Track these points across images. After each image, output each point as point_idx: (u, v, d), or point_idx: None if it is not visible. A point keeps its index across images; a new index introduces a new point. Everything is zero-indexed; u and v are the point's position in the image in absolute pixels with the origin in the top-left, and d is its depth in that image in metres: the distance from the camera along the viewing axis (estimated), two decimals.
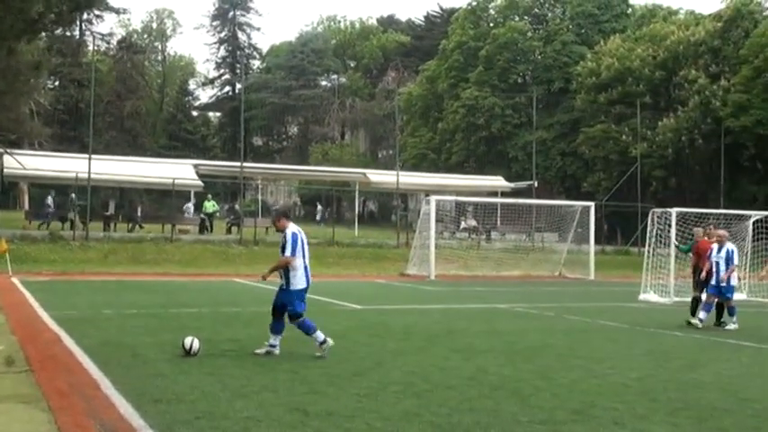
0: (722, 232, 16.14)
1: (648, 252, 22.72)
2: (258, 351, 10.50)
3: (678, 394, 8.73)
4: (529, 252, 35.70)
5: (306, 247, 10.58)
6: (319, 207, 51.35)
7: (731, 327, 15.23)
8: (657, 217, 22.41)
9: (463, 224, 39.91)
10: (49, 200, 37.62)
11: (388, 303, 19.30)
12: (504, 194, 46.82)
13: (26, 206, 46.89)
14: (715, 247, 15.62)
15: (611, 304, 20.52)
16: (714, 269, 15.39)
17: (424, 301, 20.15)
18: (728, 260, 15.28)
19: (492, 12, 67.26)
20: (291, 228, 10.49)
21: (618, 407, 7.95)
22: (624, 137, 49.57)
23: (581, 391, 8.67)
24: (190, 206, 45.91)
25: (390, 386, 8.59)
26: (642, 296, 21.97)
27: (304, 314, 10.53)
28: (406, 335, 13.04)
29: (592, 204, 33.37)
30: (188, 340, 10.21)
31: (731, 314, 15.40)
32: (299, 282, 10.45)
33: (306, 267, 10.52)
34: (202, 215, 39.85)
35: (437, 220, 31.28)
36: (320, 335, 10.45)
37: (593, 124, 52.62)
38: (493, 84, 60.93)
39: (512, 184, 50.11)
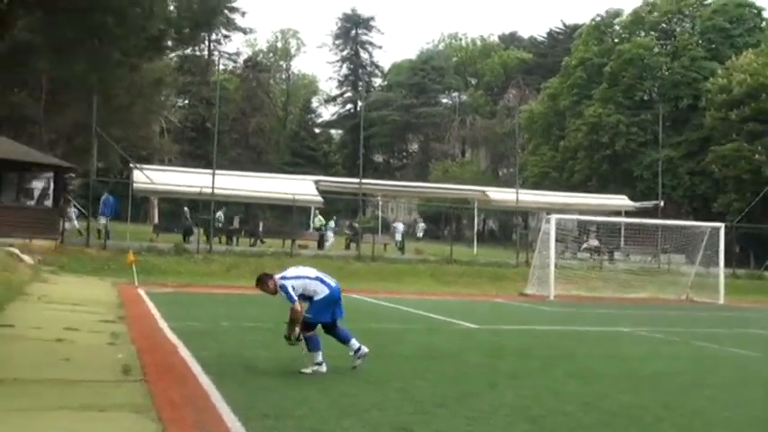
0: None
1: None
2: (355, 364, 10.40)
3: None
4: (654, 274, 34.45)
5: (304, 270, 10.66)
6: (422, 224, 51.12)
7: None
8: None
9: (585, 244, 38.90)
10: (186, 212, 39.07)
11: (505, 323, 18.91)
12: (628, 214, 45.42)
13: (155, 220, 48.58)
14: None
15: (742, 331, 19.48)
16: None
17: (543, 323, 19.64)
18: None
19: (617, 27, 65.77)
20: (278, 281, 10.29)
21: None
22: (757, 156, 47.37)
23: (706, 423, 8.15)
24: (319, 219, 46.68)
25: (502, 409, 8.28)
26: None
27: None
28: (521, 357, 12.67)
29: (722, 226, 31.91)
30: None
31: None
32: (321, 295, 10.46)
33: (320, 279, 10.59)
34: (317, 229, 40.37)
35: (558, 240, 30.55)
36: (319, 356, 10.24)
37: (724, 142, 50.49)
38: (617, 101, 59.46)
39: (636, 204, 48.57)
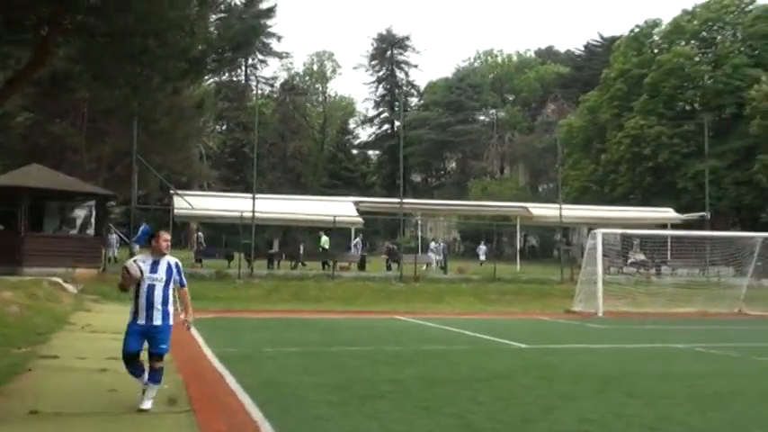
0: None
1: None
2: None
3: None
4: (704, 287, 33.65)
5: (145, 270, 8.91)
6: (483, 247, 50.54)
7: None
8: None
9: (631, 258, 38.19)
10: (200, 236, 38.94)
11: (554, 342, 18.38)
12: (674, 227, 44.61)
13: (195, 245, 48.75)
14: None
15: None
16: None
17: (594, 341, 19.08)
18: None
19: (656, 38, 64.93)
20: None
21: None
22: None
23: None
24: (358, 241, 46.44)
25: None
26: None
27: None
28: (576, 377, 12.19)
29: None
30: None
31: None
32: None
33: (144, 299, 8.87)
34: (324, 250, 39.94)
35: (603, 255, 29.96)
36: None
37: None
38: (659, 112, 58.58)
39: (682, 216, 47.72)
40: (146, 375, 8.88)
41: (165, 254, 9.02)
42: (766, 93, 50.28)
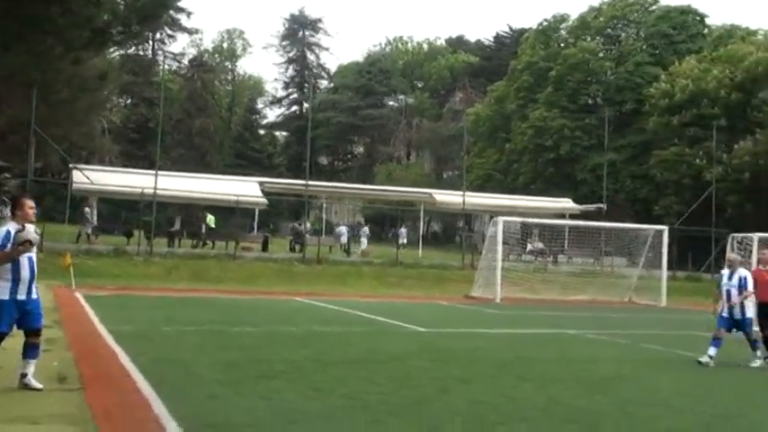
0: (733, 256, 14.58)
1: None
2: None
3: None
4: (597, 276, 34.64)
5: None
6: (403, 230, 50.58)
7: (756, 363, 13.31)
8: (738, 242, 21.36)
9: (530, 246, 39.00)
10: (87, 211, 37.73)
11: (452, 326, 18.65)
12: (572, 217, 45.73)
13: (84, 221, 47.42)
14: (726, 272, 13.86)
15: (686, 332, 19.50)
16: (725, 298, 13.52)
17: (490, 325, 19.45)
18: (741, 288, 13.33)
19: (563, 32, 66.36)
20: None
21: None
22: (698, 160, 48.11)
23: (665, 429, 7.95)
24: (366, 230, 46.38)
25: (456, 417, 7.98)
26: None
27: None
28: (471, 360, 12.40)
29: (665, 228, 32.16)
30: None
31: (714, 345, 13.18)
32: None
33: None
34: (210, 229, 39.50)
35: (503, 242, 30.50)
36: None
37: (666, 147, 51.22)
38: (562, 105, 59.95)
39: (580, 207, 48.97)
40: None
41: (32, 221, 8.54)
42: (664, 91, 51.94)
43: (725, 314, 13.43)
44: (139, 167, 46.19)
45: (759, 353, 13.41)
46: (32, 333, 8.46)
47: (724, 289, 13.53)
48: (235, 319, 17.10)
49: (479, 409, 8.42)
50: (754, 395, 10.52)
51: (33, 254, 8.42)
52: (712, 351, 13.08)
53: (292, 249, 38.85)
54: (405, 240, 45.76)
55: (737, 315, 13.31)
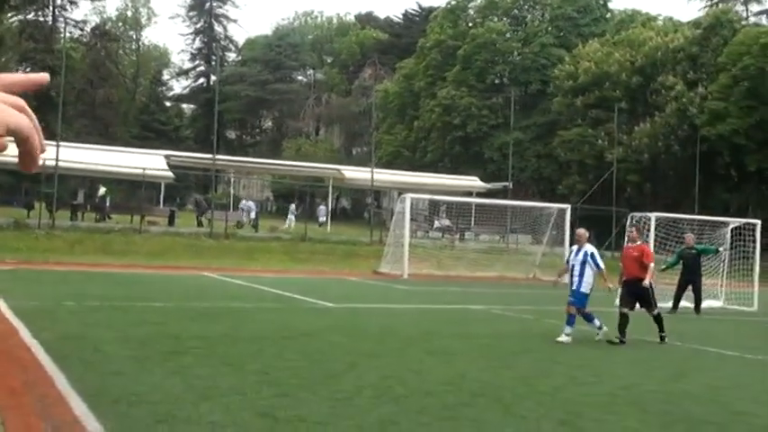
0: (581, 231, 14.08)
1: None
2: None
3: (668, 406, 8.32)
4: (502, 253, 35.34)
5: None
6: (323, 207, 50.32)
7: (563, 339, 12.72)
8: (636, 221, 22.08)
9: (437, 223, 39.51)
10: None
11: (361, 302, 18.83)
12: (479, 195, 46.48)
13: None
14: (574, 249, 13.79)
15: (588, 309, 20.14)
16: (570, 273, 13.41)
17: (398, 301, 19.70)
18: (584, 263, 13.16)
19: (471, 12, 67.04)
20: None
21: (607, 418, 7.53)
22: (600, 141, 49.53)
23: (566, 400, 8.25)
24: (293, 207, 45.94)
25: (365, 390, 8.11)
26: (617, 302, 21.58)
27: None
28: (380, 336, 12.57)
29: (568, 207, 33.01)
30: None
31: (569, 324, 12.90)
32: None
33: None
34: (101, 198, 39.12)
35: (411, 219, 30.81)
36: None
37: (570, 127, 52.55)
38: (470, 84, 60.69)
39: (487, 185, 49.81)
40: None
41: None
42: (569, 72, 53.12)
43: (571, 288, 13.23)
44: None
45: (569, 329, 12.87)
46: None
47: (570, 264, 13.44)
48: (142, 294, 16.87)
49: (388, 383, 8.57)
50: (655, 366, 10.98)
51: None
52: (568, 329, 12.81)
53: (199, 223, 38.36)
54: (324, 218, 45.70)
55: (573, 287, 13.15)
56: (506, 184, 45.65)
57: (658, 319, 13.82)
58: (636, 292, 13.83)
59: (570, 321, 12.93)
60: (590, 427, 7.16)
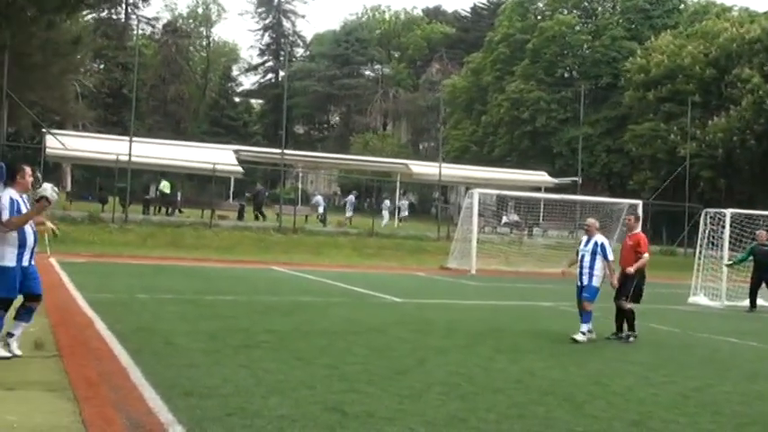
0: (591, 221, 13.51)
1: (699, 253, 21.89)
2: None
3: (742, 407, 8.12)
4: (571, 249, 34.87)
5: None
6: (387, 202, 50.06)
7: (579, 337, 12.26)
8: (711, 218, 21.60)
9: (505, 219, 39.22)
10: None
11: (429, 297, 18.79)
12: (547, 190, 46.03)
13: (68, 187, 47.03)
14: (584, 238, 13.17)
15: (659, 306, 19.73)
16: (579, 265, 12.89)
17: (466, 297, 19.61)
18: (594, 254, 12.71)
19: (540, 4, 66.35)
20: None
21: (679, 419, 7.37)
22: (673, 135, 48.46)
23: (638, 401, 8.10)
24: (352, 198, 46.24)
25: (434, 387, 8.09)
26: (691, 299, 21.19)
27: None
28: (448, 331, 12.53)
29: (639, 203, 32.47)
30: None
31: (584, 321, 12.51)
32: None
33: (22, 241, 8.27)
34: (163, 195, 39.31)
35: (479, 214, 30.66)
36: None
37: (641, 122, 51.56)
38: (539, 78, 60.09)
39: (555, 180, 49.29)
40: (11, 318, 8.48)
41: (30, 189, 8.63)
42: (640, 66, 52.14)
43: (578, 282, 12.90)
44: (114, 134, 45.72)
45: (585, 327, 12.50)
46: (33, 298, 8.55)
47: (580, 255, 13.01)
48: (213, 288, 17.11)
49: (456, 380, 8.53)
50: (729, 366, 10.70)
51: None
52: (585, 327, 12.46)
53: (256, 217, 38.05)
54: (407, 213, 45.62)
55: (584, 282, 12.79)
56: (575, 179, 45.08)
57: (628, 315, 13.20)
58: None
59: (586, 319, 12.53)
60: (661, 429, 7.02)
